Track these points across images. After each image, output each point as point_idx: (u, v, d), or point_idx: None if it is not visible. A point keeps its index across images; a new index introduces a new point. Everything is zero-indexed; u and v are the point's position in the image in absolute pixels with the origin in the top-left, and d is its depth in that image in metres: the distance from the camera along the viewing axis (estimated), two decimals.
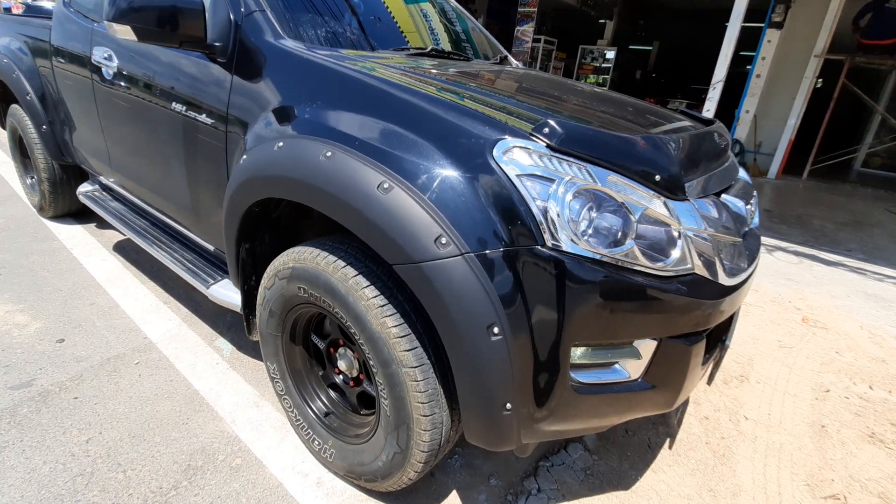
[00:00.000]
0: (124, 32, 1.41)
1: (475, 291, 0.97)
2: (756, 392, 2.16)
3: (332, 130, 1.18)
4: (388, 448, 1.27)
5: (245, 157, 1.36)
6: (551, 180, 0.98)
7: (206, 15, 1.45)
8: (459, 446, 1.68)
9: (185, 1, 1.40)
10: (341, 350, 1.47)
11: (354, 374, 1.46)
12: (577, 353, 1.07)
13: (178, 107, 1.67)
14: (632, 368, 1.13)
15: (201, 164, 1.66)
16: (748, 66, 7.85)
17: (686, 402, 2.05)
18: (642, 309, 1.04)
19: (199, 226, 1.88)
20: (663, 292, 1.04)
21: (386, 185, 1.03)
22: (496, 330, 0.98)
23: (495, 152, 1.00)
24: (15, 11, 6.12)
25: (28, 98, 2.73)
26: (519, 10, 8.68)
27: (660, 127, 1.43)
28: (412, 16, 2.17)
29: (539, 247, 0.97)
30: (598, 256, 0.98)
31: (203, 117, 1.58)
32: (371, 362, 1.20)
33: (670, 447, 1.80)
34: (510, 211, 0.98)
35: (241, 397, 1.82)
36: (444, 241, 0.98)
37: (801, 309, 3.09)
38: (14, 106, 2.97)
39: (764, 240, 4.01)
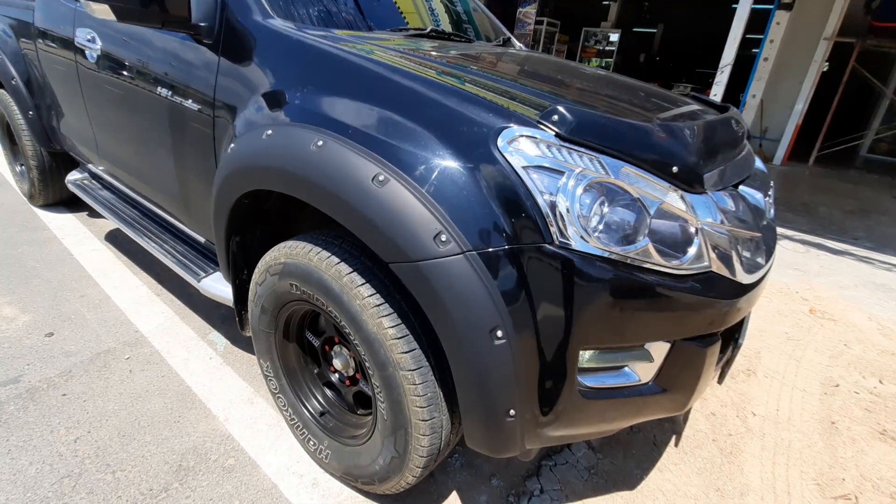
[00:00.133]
0: (103, 12, 1.31)
1: (477, 292, 0.90)
2: (764, 387, 2.11)
3: (323, 117, 1.10)
4: (386, 452, 1.21)
5: (233, 145, 1.28)
6: (560, 172, 0.90)
7: None
8: (460, 445, 1.64)
9: None
10: (336, 348, 1.40)
11: (350, 372, 1.40)
12: (585, 357, 1.00)
13: (163, 91, 1.58)
14: (642, 372, 1.07)
15: (189, 151, 1.58)
16: (755, 50, 7.67)
17: None
18: (656, 310, 0.98)
19: (188, 216, 1.81)
20: (678, 292, 0.97)
21: (381, 178, 0.96)
22: (499, 333, 0.92)
23: (500, 142, 0.92)
24: None
25: (13, 83, 2.63)
26: None
27: (673, 113, 1.35)
28: None
29: (546, 244, 0.90)
30: (609, 255, 0.91)
31: (189, 102, 1.49)
32: (367, 364, 1.14)
33: (676, 445, 1.75)
34: (515, 206, 0.91)
35: (234, 394, 1.77)
36: (443, 238, 0.91)
37: (808, 300, 3.02)
38: (0, 91, 2.87)
39: None
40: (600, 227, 0.92)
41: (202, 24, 1.40)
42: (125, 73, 1.77)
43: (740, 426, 1.87)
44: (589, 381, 1.02)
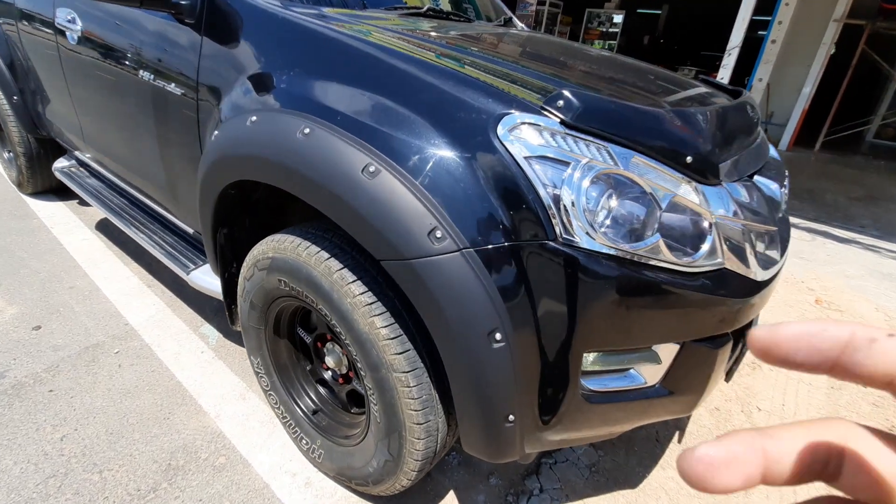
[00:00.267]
0: None
1: (474, 293, 0.84)
2: (769, 380, 2.06)
3: (311, 103, 1.03)
4: (379, 455, 1.16)
5: (217, 132, 1.21)
6: (565, 163, 0.83)
7: None
8: (458, 442, 1.59)
9: None
10: (329, 345, 1.35)
11: (343, 370, 1.35)
12: (589, 360, 0.95)
13: (146, 74, 1.50)
14: (648, 374, 1.01)
15: (174, 138, 1.50)
16: (762, 32, 7.48)
17: None
18: (665, 311, 0.91)
19: (176, 206, 1.74)
20: (690, 291, 0.91)
21: (372, 169, 0.89)
22: (498, 336, 0.86)
23: (500, 129, 0.84)
24: None
25: None
26: None
27: (682, 96, 1.27)
28: None
29: (549, 241, 0.84)
30: (617, 252, 0.84)
31: (172, 86, 1.41)
32: (359, 365, 1.09)
33: (679, 441, 1.70)
34: (516, 199, 0.84)
35: (226, 389, 1.72)
36: (438, 234, 0.84)
37: (814, 290, 2.96)
38: None
39: None
40: (607, 222, 0.86)
41: (183, 3, 1.31)
42: (106, 55, 1.68)
43: (745, 421, 1.82)
44: (592, 385, 0.97)
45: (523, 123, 0.84)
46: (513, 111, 0.86)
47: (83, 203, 3.04)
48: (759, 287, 1.03)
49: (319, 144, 0.94)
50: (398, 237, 0.86)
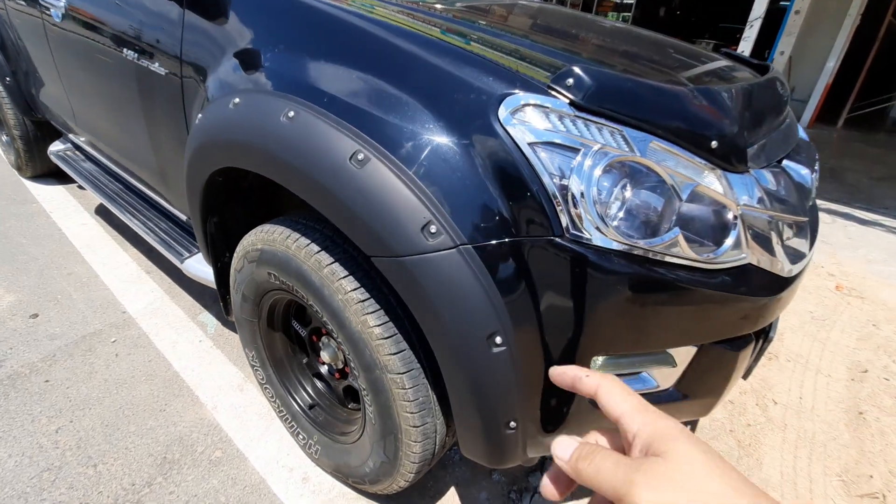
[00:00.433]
0: None
1: (472, 293, 0.76)
2: (786, 372, 1.98)
3: (296, 83, 0.94)
4: (375, 456, 1.11)
5: (200, 115, 1.13)
6: (575, 150, 0.74)
7: None
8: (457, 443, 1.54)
9: None
10: (325, 339, 1.29)
11: (340, 365, 1.29)
12: (598, 363, 0.87)
13: (131, 51, 1.41)
14: (662, 377, 0.94)
15: (160, 119, 1.42)
16: (784, 2, 7.12)
17: None
18: (683, 312, 0.83)
19: (168, 191, 1.67)
20: (711, 289, 0.83)
21: (360, 156, 0.80)
22: (498, 340, 0.79)
23: (501, 112, 0.75)
24: None
25: None
26: None
27: (707, 73, 1.16)
28: None
29: (555, 237, 0.75)
30: (631, 249, 0.76)
31: (156, 65, 1.33)
32: (352, 364, 1.03)
33: (692, 429, 1.64)
34: (519, 190, 0.75)
35: (224, 380, 1.68)
36: (433, 229, 0.76)
37: (834, 275, 2.85)
38: None
39: None
40: (620, 215, 0.77)
41: None
42: (90, 32, 1.60)
43: (760, 416, 1.75)
44: None
45: (527, 105, 0.75)
46: (516, 91, 0.76)
47: (82, 187, 2.99)
48: (786, 283, 0.95)
49: (304, 129, 0.86)
50: (389, 232, 0.78)
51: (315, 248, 1.00)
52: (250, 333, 1.37)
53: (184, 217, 1.74)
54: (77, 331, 1.85)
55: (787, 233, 0.95)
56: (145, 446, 1.43)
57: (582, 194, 0.74)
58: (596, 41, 1.36)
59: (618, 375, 0.91)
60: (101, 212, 2.73)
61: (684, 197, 0.78)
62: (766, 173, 0.94)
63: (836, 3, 6.77)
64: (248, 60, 1.04)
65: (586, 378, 0.37)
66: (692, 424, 1.69)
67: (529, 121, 0.75)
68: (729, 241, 0.83)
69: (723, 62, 1.40)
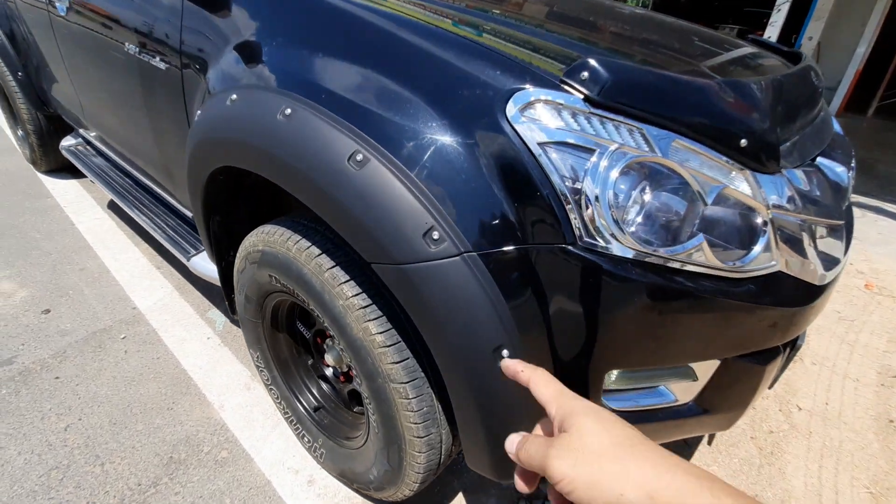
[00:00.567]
0: None
1: (478, 304, 0.72)
2: (811, 376, 1.89)
3: (294, 78, 0.89)
4: (379, 464, 1.08)
5: (199, 111, 1.09)
6: (589, 150, 0.68)
7: None
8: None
9: None
10: (329, 341, 1.26)
11: (344, 368, 1.26)
12: (612, 378, 0.82)
13: (132, 44, 1.38)
14: (681, 391, 0.88)
15: (163, 114, 1.39)
16: None
17: None
18: (706, 324, 0.77)
19: (174, 187, 1.65)
20: (736, 300, 0.76)
21: (359, 157, 0.76)
22: (505, 353, 0.74)
23: (509, 109, 0.70)
24: None
25: None
26: None
27: (735, 63, 1.08)
28: None
29: (567, 245, 0.70)
30: (650, 258, 0.70)
31: (157, 58, 1.29)
32: (354, 372, 0.99)
33: (710, 443, 1.58)
34: (528, 194, 0.70)
35: (231, 378, 1.67)
36: (436, 235, 0.71)
37: (864, 273, 2.72)
38: None
39: None
40: (639, 220, 0.71)
41: None
42: (94, 25, 1.57)
43: (783, 422, 1.68)
44: (614, 404, 0.84)
45: (538, 101, 0.69)
46: (526, 86, 0.70)
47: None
48: (819, 291, 0.88)
49: (301, 127, 0.82)
50: (389, 238, 0.73)
51: (316, 250, 0.96)
52: (254, 334, 1.35)
53: (190, 213, 1.72)
54: (88, 327, 1.85)
55: (822, 237, 0.88)
56: (152, 445, 1.43)
57: (597, 198, 0.68)
58: (614, 29, 1.28)
59: (634, 389, 0.85)
60: (114, 206, 2.74)
61: (710, 200, 0.71)
62: (799, 173, 0.87)
63: None
64: (244, 54, 0.99)
65: (521, 373, 0.47)
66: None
67: (540, 118, 0.69)
68: (757, 248, 0.76)
69: (751, 50, 1.31)
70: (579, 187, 0.68)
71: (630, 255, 0.70)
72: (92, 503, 1.27)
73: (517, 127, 0.69)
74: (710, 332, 0.78)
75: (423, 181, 0.73)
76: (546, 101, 0.69)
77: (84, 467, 1.36)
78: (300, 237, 0.99)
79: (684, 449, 1.55)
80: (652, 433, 0.92)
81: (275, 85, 0.91)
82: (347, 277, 0.92)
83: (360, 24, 0.88)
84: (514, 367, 0.49)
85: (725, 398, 0.89)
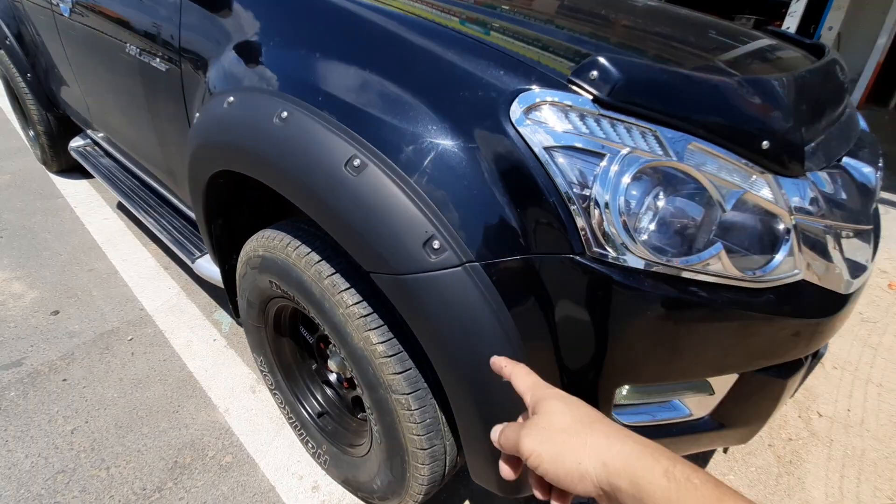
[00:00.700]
0: None
1: (480, 316, 0.68)
2: (832, 381, 1.83)
3: (291, 81, 0.86)
4: (383, 475, 1.06)
5: (198, 114, 1.07)
6: (599, 155, 0.64)
7: None
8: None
9: None
10: (332, 347, 1.23)
11: (348, 374, 1.23)
12: (623, 392, 0.78)
13: (133, 44, 1.37)
14: (696, 405, 0.84)
15: (164, 115, 1.38)
16: None
17: None
18: (723, 338, 0.73)
19: (177, 189, 1.64)
20: (757, 311, 0.72)
21: (357, 163, 0.72)
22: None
23: (514, 111, 0.66)
24: None
25: (7, 42, 2.48)
26: None
27: (756, 58, 1.03)
28: None
29: (575, 255, 0.66)
30: (664, 269, 0.66)
31: (157, 59, 1.27)
32: (356, 382, 0.96)
33: (725, 451, 1.53)
34: (534, 201, 0.66)
35: (236, 381, 1.66)
36: (436, 244, 0.68)
37: (887, 272, 2.63)
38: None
39: None
40: (652, 228, 0.67)
41: None
42: (96, 25, 1.56)
43: (803, 429, 1.62)
44: (625, 419, 0.81)
45: (544, 103, 0.65)
46: (531, 86, 0.67)
47: None
48: (844, 300, 0.83)
49: (297, 132, 0.79)
50: (387, 247, 0.70)
51: (315, 257, 0.93)
52: (257, 339, 1.33)
53: (193, 216, 1.71)
54: (95, 328, 1.86)
55: (848, 243, 0.83)
56: (157, 449, 1.42)
57: (606, 206, 0.64)
58: (627, 23, 1.23)
59: (647, 404, 0.81)
60: (123, 207, 2.74)
61: (728, 207, 0.67)
62: (823, 175, 0.81)
63: None
64: (241, 54, 0.97)
65: (504, 368, 0.52)
66: None
67: (546, 121, 0.65)
68: (780, 256, 0.72)
69: (770, 42, 1.25)
70: (588, 194, 0.64)
71: (642, 265, 0.66)
72: None
73: (521, 130, 0.65)
74: (728, 346, 0.74)
75: (423, 188, 0.69)
76: (552, 103, 0.65)
77: (90, 471, 1.35)
78: (300, 243, 0.97)
79: (698, 457, 1.50)
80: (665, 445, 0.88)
81: (271, 87, 0.88)
82: (348, 285, 0.89)
83: (360, 22, 0.85)
84: (499, 363, 0.53)
85: (744, 412, 0.85)
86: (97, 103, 1.91)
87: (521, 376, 0.50)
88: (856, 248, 0.85)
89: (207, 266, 1.58)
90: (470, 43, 0.74)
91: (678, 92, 0.67)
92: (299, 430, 1.36)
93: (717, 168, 0.68)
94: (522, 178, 0.66)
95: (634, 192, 0.65)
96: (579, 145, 0.64)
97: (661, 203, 0.66)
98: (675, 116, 0.66)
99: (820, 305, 0.79)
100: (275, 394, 1.40)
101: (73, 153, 2.44)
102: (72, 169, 3.07)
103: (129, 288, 2.09)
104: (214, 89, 1.03)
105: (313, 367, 1.37)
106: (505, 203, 0.67)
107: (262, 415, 1.54)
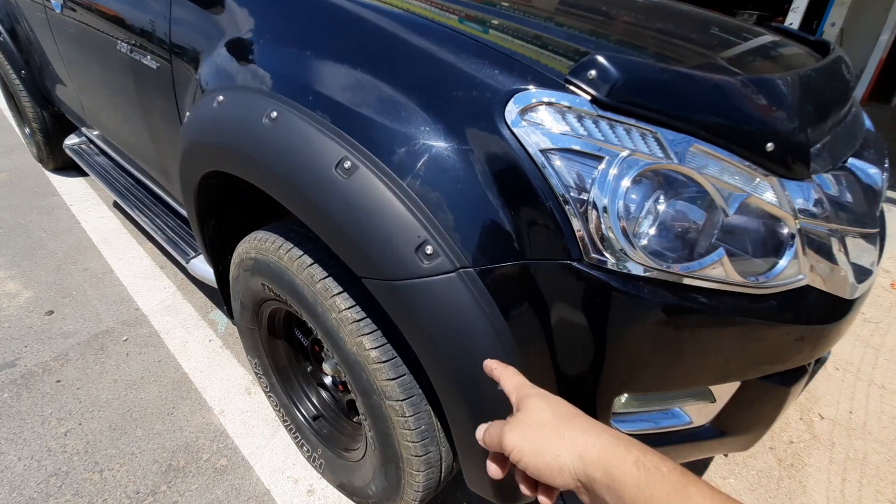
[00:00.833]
0: None
1: (474, 324, 0.66)
2: (834, 382, 1.81)
3: (281, 80, 0.84)
4: (378, 481, 1.04)
5: (189, 113, 1.04)
6: (597, 157, 0.62)
7: None
8: None
9: None
10: (327, 350, 1.21)
11: (343, 377, 1.21)
12: (622, 401, 0.76)
13: (125, 41, 1.34)
14: (697, 413, 0.82)
15: (156, 113, 1.35)
16: None
17: None
18: (725, 346, 0.71)
19: (171, 187, 1.62)
20: (760, 318, 0.70)
21: (347, 164, 0.70)
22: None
23: (509, 112, 0.63)
24: None
25: (1, 39, 2.45)
26: None
27: (760, 56, 1.00)
28: None
29: (573, 261, 0.64)
30: (664, 276, 0.64)
31: (147, 57, 1.25)
32: (350, 387, 0.94)
33: (726, 455, 1.51)
34: (530, 206, 0.64)
35: (231, 382, 1.64)
36: (429, 250, 0.66)
37: (889, 271, 2.60)
38: None
39: None
40: (652, 233, 0.65)
41: None
42: (87, 21, 1.53)
43: (804, 432, 1.60)
44: (624, 427, 0.79)
45: (540, 103, 0.63)
46: (527, 86, 0.64)
47: None
48: (849, 306, 0.81)
49: (287, 132, 0.76)
50: (379, 252, 0.68)
51: (308, 260, 0.91)
52: (252, 341, 1.31)
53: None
54: (90, 328, 1.84)
55: (853, 247, 0.80)
56: (151, 452, 1.41)
57: (605, 210, 0.62)
58: (626, 19, 1.21)
59: (647, 412, 0.79)
60: (119, 205, 2.72)
61: (731, 211, 0.64)
62: (828, 177, 0.79)
63: None
64: (231, 52, 0.94)
65: (494, 370, 0.54)
66: None
67: (542, 122, 0.63)
68: (784, 262, 0.69)
69: (773, 39, 1.22)
70: (586, 198, 0.62)
71: (641, 271, 0.64)
72: None
73: (517, 131, 0.63)
74: (730, 354, 0.72)
75: (415, 191, 0.67)
76: (549, 104, 0.63)
77: (83, 474, 1.34)
78: (292, 245, 0.94)
79: (698, 461, 1.49)
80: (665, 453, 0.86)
81: (261, 86, 0.86)
82: (340, 289, 0.87)
83: (353, 20, 0.82)
84: (490, 365, 0.55)
85: (746, 420, 0.83)
86: (90, 101, 1.89)
87: (508, 377, 0.52)
88: (861, 252, 0.83)
89: (202, 266, 1.56)
90: (464, 41, 0.72)
91: (680, 92, 0.65)
92: (294, 433, 1.34)
93: (719, 171, 0.65)
94: (518, 182, 0.64)
95: (634, 196, 0.63)
96: (577, 148, 0.61)
97: (661, 207, 0.64)
98: (677, 117, 0.64)
99: (825, 311, 0.77)
100: (270, 396, 1.38)
101: (68, 151, 2.42)
102: (68, 167, 3.04)
103: (125, 287, 2.08)
104: (206, 86, 1.00)
105: (308, 369, 1.35)
106: (500, 207, 0.65)
107: (257, 417, 1.53)
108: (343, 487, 1.23)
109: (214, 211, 1.23)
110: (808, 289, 0.75)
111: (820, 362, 1.06)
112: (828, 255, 0.74)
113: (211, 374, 1.67)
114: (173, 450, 1.42)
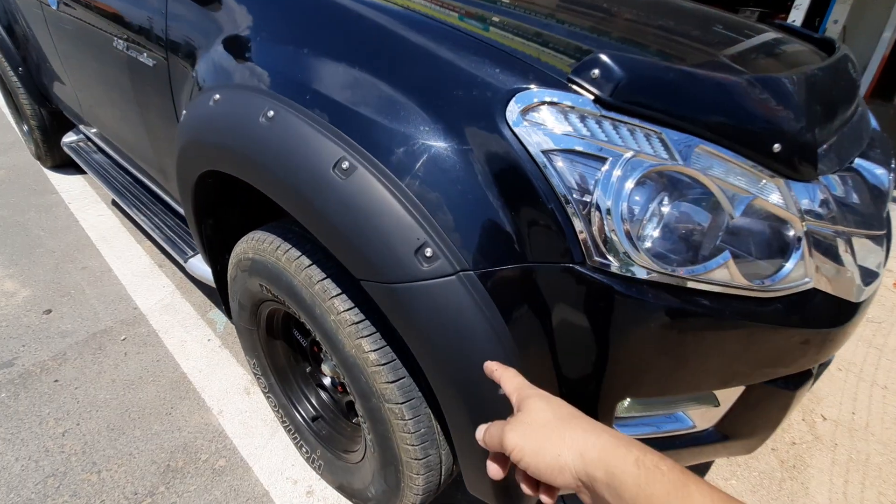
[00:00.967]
0: None
1: (474, 328, 0.65)
2: (836, 383, 1.80)
3: (278, 78, 0.83)
4: (377, 483, 1.03)
5: (185, 111, 1.03)
6: (600, 159, 0.60)
7: None
8: None
9: None
10: (326, 352, 1.20)
11: (342, 378, 1.20)
12: (624, 405, 0.75)
13: (121, 37, 1.32)
14: (700, 417, 0.81)
15: (152, 110, 1.34)
16: None
17: None
18: (729, 350, 0.70)
19: (169, 187, 1.60)
20: (765, 322, 0.69)
21: (345, 165, 0.69)
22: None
23: (510, 112, 0.62)
24: None
25: None
26: None
27: (764, 54, 0.99)
28: None
29: (575, 264, 0.63)
30: (668, 279, 0.62)
31: (144, 54, 1.23)
32: (349, 390, 0.93)
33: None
34: (531, 208, 0.63)
35: (230, 382, 1.63)
36: (428, 252, 0.64)
37: (892, 270, 2.59)
38: None
39: None
40: (656, 235, 0.63)
41: None
42: (83, 17, 1.51)
43: (806, 433, 1.59)
44: (628, 431, 0.78)
45: (542, 103, 0.61)
46: (529, 85, 0.63)
47: None
48: (855, 309, 0.79)
49: (284, 132, 0.75)
50: (377, 255, 0.67)
51: (306, 261, 0.90)
52: (250, 341, 1.30)
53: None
54: (88, 327, 1.83)
55: (860, 249, 0.79)
56: (149, 452, 1.40)
57: (608, 212, 0.60)
58: (629, 16, 1.19)
59: (649, 416, 0.78)
60: (118, 203, 2.71)
61: (737, 214, 0.63)
62: (835, 178, 0.78)
63: None
64: (227, 49, 0.93)
65: (495, 372, 0.54)
66: None
67: (544, 123, 0.61)
68: (790, 264, 0.68)
69: (777, 36, 1.21)
70: (588, 200, 0.61)
71: (645, 275, 0.62)
72: None
73: (518, 132, 0.61)
74: (735, 358, 0.71)
75: (414, 192, 0.66)
76: (551, 103, 0.61)
77: (81, 475, 1.33)
78: (290, 246, 0.93)
79: (700, 463, 1.48)
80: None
81: (258, 84, 0.85)
82: (339, 291, 0.86)
83: (351, 17, 0.81)
84: (491, 367, 0.55)
85: (749, 424, 0.82)
86: (88, 98, 1.87)
87: (508, 378, 0.52)
88: (868, 254, 0.82)
89: (200, 265, 1.55)
90: (465, 39, 0.70)
91: (685, 91, 0.64)
92: (293, 434, 1.33)
93: (725, 172, 0.64)
94: (519, 183, 0.62)
95: (638, 198, 0.62)
96: (579, 149, 0.60)
97: (665, 209, 0.63)
98: (682, 117, 0.62)
99: (831, 314, 0.75)
100: (268, 397, 1.38)
101: (66, 149, 2.41)
102: (66, 164, 3.02)
103: (123, 286, 2.07)
104: (203, 84, 0.99)
105: (307, 370, 1.34)
106: (501, 209, 0.63)
107: (256, 417, 1.52)
108: (342, 489, 1.22)
109: (212, 210, 1.22)
110: (813, 292, 0.73)
111: (824, 365, 1.05)
112: (834, 257, 0.73)
113: (210, 374, 1.66)
114: (172, 450, 1.41)
